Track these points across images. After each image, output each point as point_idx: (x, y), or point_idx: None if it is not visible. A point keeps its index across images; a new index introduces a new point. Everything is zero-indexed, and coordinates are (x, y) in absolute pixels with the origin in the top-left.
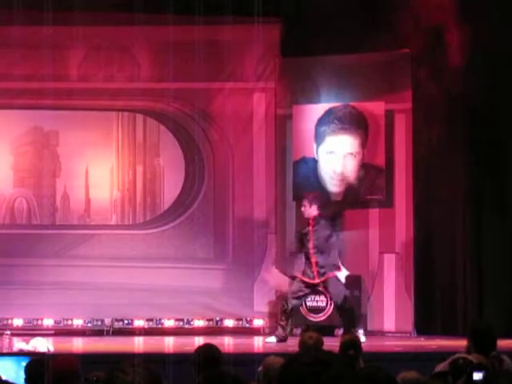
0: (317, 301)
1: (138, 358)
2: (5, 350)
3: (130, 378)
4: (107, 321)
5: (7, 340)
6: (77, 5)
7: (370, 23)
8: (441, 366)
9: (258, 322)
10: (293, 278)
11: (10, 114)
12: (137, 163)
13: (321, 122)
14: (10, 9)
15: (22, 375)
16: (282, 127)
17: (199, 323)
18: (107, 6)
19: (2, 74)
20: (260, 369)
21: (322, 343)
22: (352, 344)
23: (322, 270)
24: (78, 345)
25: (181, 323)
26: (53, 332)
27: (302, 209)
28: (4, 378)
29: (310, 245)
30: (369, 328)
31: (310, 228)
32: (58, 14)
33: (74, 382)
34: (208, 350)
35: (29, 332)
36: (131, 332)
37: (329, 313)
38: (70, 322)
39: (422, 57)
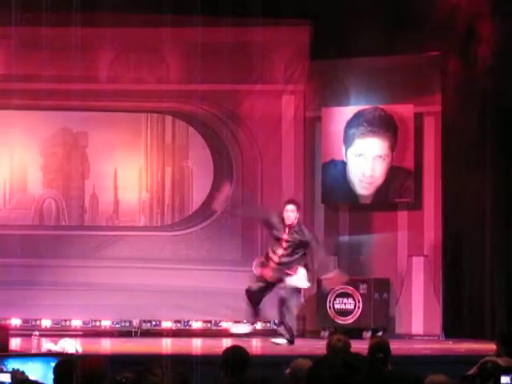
0: (345, 303)
1: (166, 359)
2: (33, 351)
3: (159, 379)
4: (135, 322)
5: (36, 341)
6: (105, 6)
7: (400, 25)
8: (472, 370)
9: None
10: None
11: (39, 115)
12: (165, 165)
13: (350, 124)
14: (38, 10)
15: (51, 376)
16: (311, 129)
17: (227, 325)
18: (135, 7)
19: (31, 75)
20: (287, 371)
21: (350, 346)
22: (381, 347)
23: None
24: (106, 346)
25: (208, 325)
26: (81, 333)
27: (287, 214)
28: (32, 378)
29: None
30: (397, 331)
31: (286, 233)
32: (86, 16)
33: (103, 383)
34: (236, 352)
35: (57, 333)
36: (159, 333)
37: (357, 315)
38: (98, 323)
39: (451, 59)
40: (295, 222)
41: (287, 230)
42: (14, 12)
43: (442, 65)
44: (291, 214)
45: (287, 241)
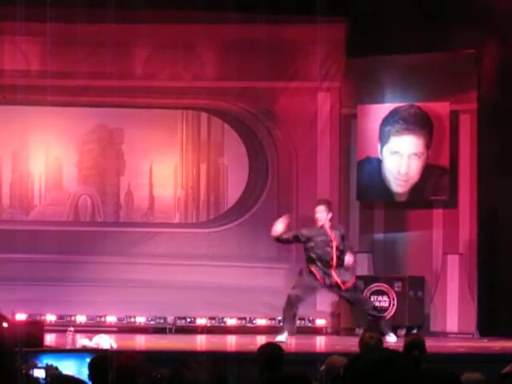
0: (379, 301)
1: (201, 355)
2: (68, 347)
3: (195, 375)
4: (170, 319)
5: (70, 336)
6: (141, 3)
7: (435, 22)
8: (507, 368)
9: (321, 322)
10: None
11: (74, 111)
12: (201, 161)
13: (385, 121)
14: (73, 7)
15: (85, 372)
16: (347, 127)
17: (261, 322)
18: (171, 3)
19: (67, 71)
20: (322, 368)
21: (382, 343)
22: (416, 344)
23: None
24: (141, 342)
25: (243, 322)
26: (116, 329)
27: (318, 214)
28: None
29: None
30: (431, 329)
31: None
32: (122, 12)
33: (138, 378)
34: (271, 349)
35: (92, 329)
36: (193, 330)
37: (392, 313)
38: (132, 320)
39: (487, 56)
40: (328, 221)
41: (324, 230)
42: (50, 8)
43: (477, 62)
44: (320, 214)
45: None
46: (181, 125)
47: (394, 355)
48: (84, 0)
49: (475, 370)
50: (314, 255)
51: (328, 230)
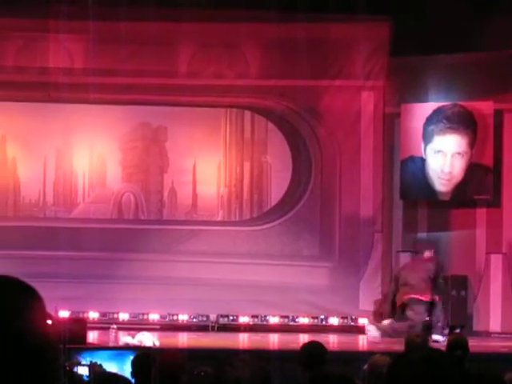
0: None
1: (244, 354)
2: (111, 344)
3: (239, 373)
4: (212, 316)
5: (113, 334)
6: (184, 1)
7: (479, 22)
8: None
9: (363, 321)
10: None
11: (119, 109)
12: (244, 160)
13: (429, 120)
14: (117, 5)
15: (128, 369)
16: (390, 125)
17: (304, 320)
18: (215, 2)
19: (111, 69)
20: (365, 367)
21: (428, 342)
22: (459, 344)
23: None
24: (183, 340)
25: (286, 320)
26: (158, 327)
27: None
28: (110, 371)
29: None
30: (474, 328)
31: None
32: (165, 10)
33: (181, 376)
34: (314, 348)
35: (135, 326)
36: (236, 328)
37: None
38: (175, 318)
39: None
40: None
41: None
42: (93, 7)
43: None
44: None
45: None
46: (224, 123)
47: (438, 354)
48: None
49: None
50: None
51: None
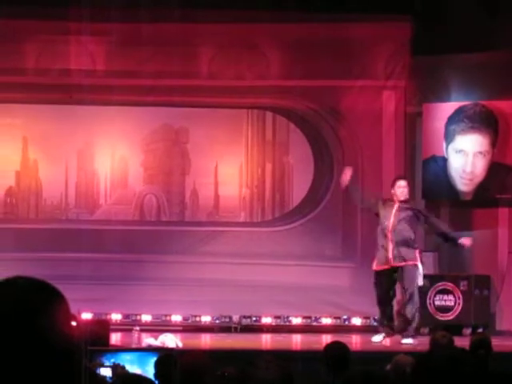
0: (445, 300)
1: (268, 354)
2: (134, 346)
3: (263, 374)
4: (235, 318)
5: (136, 335)
6: (205, 2)
7: (501, 20)
8: None
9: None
10: None
11: (140, 111)
12: (266, 161)
13: (451, 120)
14: (138, 7)
15: (151, 370)
16: (412, 125)
17: (327, 321)
18: (235, 2)
19: (132, 71)
20: (389, 367)
21: (453, 342)
22: (482, 343)
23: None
24: (206, 341)
25: (308, 321)
26: (181, 328)
27: (401, 189)
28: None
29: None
30: (498, 328)
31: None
32: (186, 12)
33: (204, 377)
34: (337, 348)
35: (157, 328)
36: (259, 329)
37: (457, 312)
38: (198, 319)
39: None
40: (408, 197)
41: (398, 205)
42: (115, 9)
43: None
44: (405, 189)
45: (400, 218)
46: (246, 124)
47: (462, 354)
48: (149, 0)
49: None
50: None
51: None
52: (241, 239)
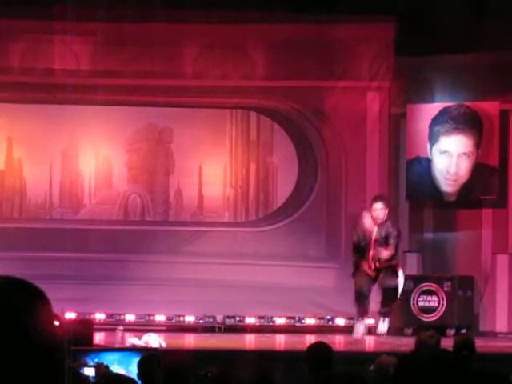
0: (429, 301)
1: (249, 354)
2: (117, 345)
3: (244, 374)
4: (219, 317)
5: (120, 335)
6: (189, 2)
7: (485, 22)
8: None
9: (369, 321)
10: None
11: (124, 111)
12: (250, 161)
13: (435, 121)
14: (123, 7)
15: (134, 370)
16: (396, 126)
17: (310, 321)
18: (220, 3)
19: (117, 71)
20: (372, 368)
21: (440, 343)
22: (466, 344)
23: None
24: (190, 341)
25: (292, 321)
26: (165, 328)
27: (376, 213)
28: (117, 372)
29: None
30: (481, 329)
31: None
32: (171, 12)
33: (187, 377)
34: (320, 349)
35: (141, 328)
36: (242, 329)
37: (441, 313)
38: (181, 319)
39: None
40: (385, 218)
41: (376, 229)
42: (100, 8)
43: None
44: (381, 212)
45: (376, 240)
46: (230, 124)
47: (445, 354)
48: (133, 0)
49: None
50: None
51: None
52: (225, 239)
